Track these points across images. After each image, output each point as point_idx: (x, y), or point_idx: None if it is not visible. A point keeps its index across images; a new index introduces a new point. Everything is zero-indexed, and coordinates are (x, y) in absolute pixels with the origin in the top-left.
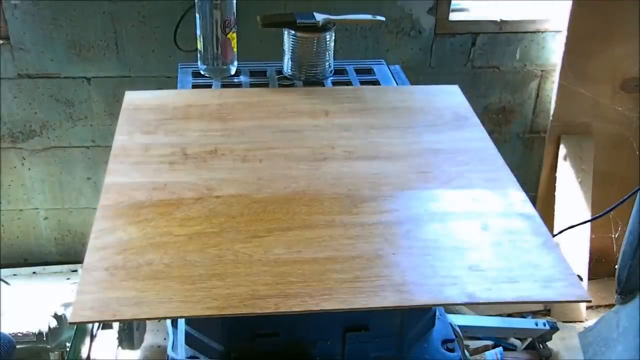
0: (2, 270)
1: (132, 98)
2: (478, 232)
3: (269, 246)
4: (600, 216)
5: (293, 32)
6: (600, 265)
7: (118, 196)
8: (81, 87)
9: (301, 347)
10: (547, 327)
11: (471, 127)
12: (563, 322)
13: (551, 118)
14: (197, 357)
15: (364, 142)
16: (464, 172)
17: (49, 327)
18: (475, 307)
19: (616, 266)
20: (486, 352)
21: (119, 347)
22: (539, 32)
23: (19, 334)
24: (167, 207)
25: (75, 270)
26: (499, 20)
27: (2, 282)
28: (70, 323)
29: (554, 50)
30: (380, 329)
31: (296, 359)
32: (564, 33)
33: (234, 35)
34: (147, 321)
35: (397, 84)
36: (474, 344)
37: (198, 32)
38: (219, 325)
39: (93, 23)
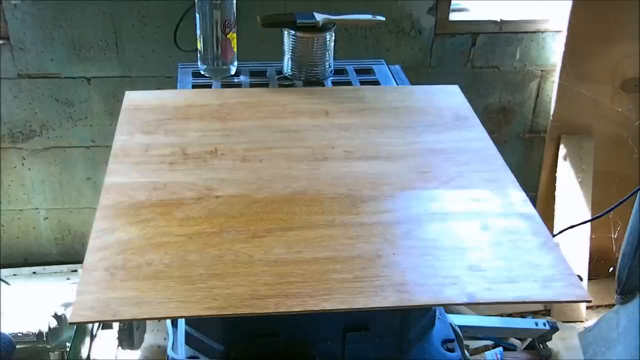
0: (2, 270)
1: (132, 98)
2: (478, 232)
3: (269, 246)
4: (600, 216)
5: (293, 32)
6: (600, 265)
7: (118, 196)
8: (81, 87)
9: (301, 347)
10: (547, 327)
11: (471, 127)
12: (563, 322)
13: (551, 118)
14: (197, 357)
15: (364, 142)
16: (464, 172)
17: (49, 327)
18: (475, 307)
19: (615, 266)
20: (486, 352)
21: (119, 347)
22: (539, 32)
23: (19, 334)
24: (167, 207)
25: (75, 270)
26: (499, 20)
27: (2, 282)
28: (70, 323)
29: (554, 50)
30: (380, 329)
31: (296, 359)
32: (564, 33)
33: (234, 35)
34: (147, 321)
35: (397, 84)
36: (474, 344)
37: (198, 32)
38: (219, 325)
39: (93, 23)
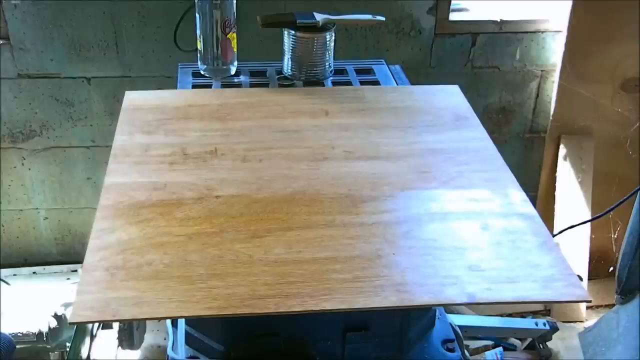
0: (2, 270)
1: (132, 98)
2: (478, 232)
3: (269, 246)
4: (600, 216)
5: (293, 32)
6: (600, 265)
7: (118, 196)
8: (81, 87)
9: (301, 347)
10: (547, 327)
11: (471, 127)
12: (563, 322)
13: (551, 118)
14: (197, 357)
15: (364, 142)
16: (464, 172)
17: (49, 327)
18: (475, 307)
19: (615, 266)
20: (486, 352)
21: (119, 347)
22: (539, 32)
23: (19, 334)
24: (167, 207)
25: (75, 270)
26: (499, 20)
27: (2, 282)
28: (70, 323)
29: (554, 50)
30: (380, 329)
31: (296, 359)
32: (564, 33)
33: (234, 35)
34: (147, 321)
35: (397, 84)
36: (474, 344)
37: (198, 32)
38: (219, 325)
39: (93, 23)
